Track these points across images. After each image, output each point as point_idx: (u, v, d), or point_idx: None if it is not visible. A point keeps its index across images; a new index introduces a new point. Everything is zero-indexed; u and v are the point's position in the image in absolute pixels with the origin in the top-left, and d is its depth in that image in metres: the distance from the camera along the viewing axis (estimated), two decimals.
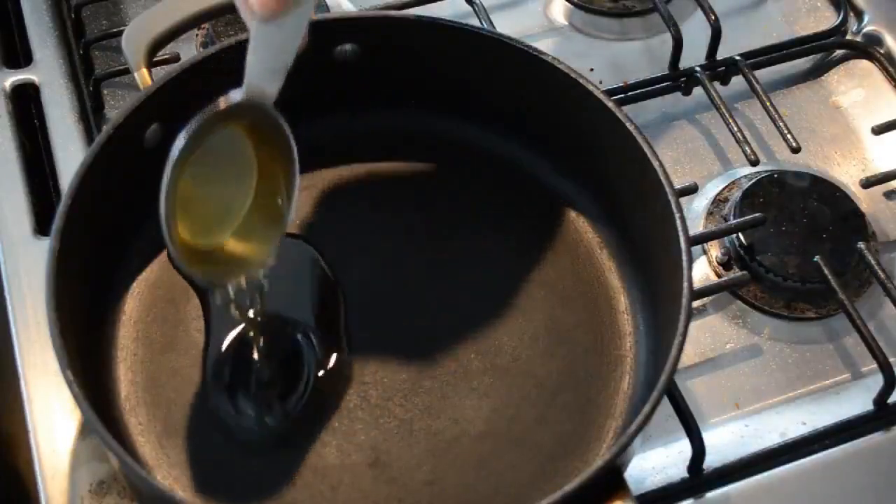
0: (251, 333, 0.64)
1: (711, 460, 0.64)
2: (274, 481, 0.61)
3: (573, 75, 0.65)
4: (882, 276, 0.70)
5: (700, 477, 0.64)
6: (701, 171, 0.79)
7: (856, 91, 0.84)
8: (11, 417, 0.65)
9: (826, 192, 0.76)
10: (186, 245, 0.57)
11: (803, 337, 0.72)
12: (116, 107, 0.79)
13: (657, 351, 0.62)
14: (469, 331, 0.66)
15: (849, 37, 0.86)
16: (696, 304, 0.70)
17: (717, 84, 0.81)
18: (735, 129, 0.77)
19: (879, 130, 0.79)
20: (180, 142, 0.54)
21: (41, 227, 0.71)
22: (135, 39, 0.65)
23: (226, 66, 0.66)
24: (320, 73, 0.68)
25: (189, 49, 0.81)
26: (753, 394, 0.69)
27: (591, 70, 0.83)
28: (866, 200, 0.78)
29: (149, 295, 0.67)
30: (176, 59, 0.77)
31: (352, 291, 0.68)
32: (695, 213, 0.76)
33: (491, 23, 0.81)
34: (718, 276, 0.73)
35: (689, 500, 0.64)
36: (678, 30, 0.81)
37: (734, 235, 0.73)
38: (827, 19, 0.88)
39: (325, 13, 0.80)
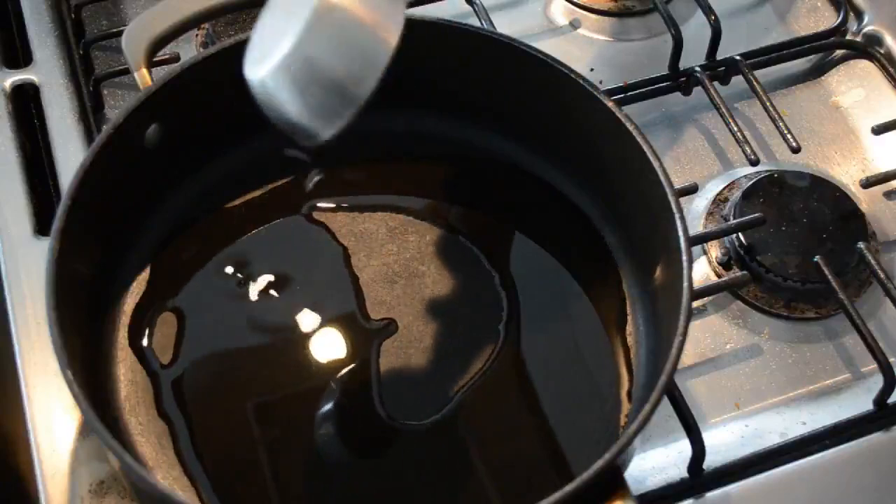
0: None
1: (711, 460, 0.64)
2: (274, 480, 0.61)
3: (573, 75, 0.65)
4: (882, 276, 0.70)
5: (700, 477, 0.64)
6: (701, 171, 0.79)
7: (856, 91, 0.84)
8: (11, 417, 0.65)
9: (826, 192, 0.76)
10: None
11: (803, 337, 0.72)
12: (116, 107, 0.79)
13: (657, 351, 0.61)
14: (469, 330, 0.66)
15: (849, 37, 0.86)
16: (696, 304, 0.70)
17: (717, 84, 0.81)
18: (735, 129, 0.77)
19: (879, 130, 0.79)
20: None
21: (41, 227, 0.71)
22: (135, 39, 0.65)
23: (226, 66, 0.66)
24: None
25: (189, 49, 0.81)
26: (753, 394, 0.69)
27: (592, 70, 0.83)
28: (866, 200, 0.77)
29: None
30: (176, 59, 0.77)
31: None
32: (695, 213, 0.76)
33: (491, 23, 0.81)
34: (718, 276, 0.73)
35: (689, 500, 0.64)
36: (678, 30, 0.81)
37: (734, 235, 0.73)
38: (827, 19, 0.88)
39: None
